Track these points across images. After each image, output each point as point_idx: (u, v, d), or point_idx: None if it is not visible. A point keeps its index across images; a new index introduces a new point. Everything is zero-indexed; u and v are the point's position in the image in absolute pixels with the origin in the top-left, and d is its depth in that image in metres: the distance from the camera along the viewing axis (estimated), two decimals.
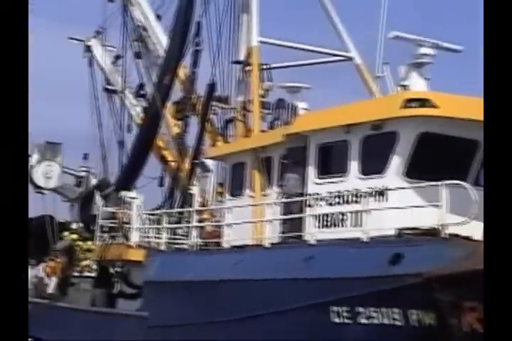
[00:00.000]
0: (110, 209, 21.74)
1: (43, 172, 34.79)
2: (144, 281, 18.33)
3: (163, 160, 26.28)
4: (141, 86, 28.34)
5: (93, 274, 29.08)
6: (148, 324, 17.60)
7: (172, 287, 17.12)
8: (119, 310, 19.20)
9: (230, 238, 16.71)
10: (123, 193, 20.07)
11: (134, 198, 19.75)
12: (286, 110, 22.23)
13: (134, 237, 19.58)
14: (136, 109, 28.69)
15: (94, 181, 38.31)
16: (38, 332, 22.65)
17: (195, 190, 18.37)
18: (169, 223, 20.72)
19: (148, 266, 18.23)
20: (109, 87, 30.51)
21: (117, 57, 29.85)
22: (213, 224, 17.81)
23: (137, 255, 19.02)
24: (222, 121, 23.13)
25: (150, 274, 18.00)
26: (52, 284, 25.97)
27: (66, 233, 34.84)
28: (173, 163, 26.06)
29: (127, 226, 20.02)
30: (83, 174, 38.33)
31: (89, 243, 35.12)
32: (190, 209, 18.32)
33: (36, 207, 37.92)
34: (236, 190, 18.30)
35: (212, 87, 22.27)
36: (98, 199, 23.31)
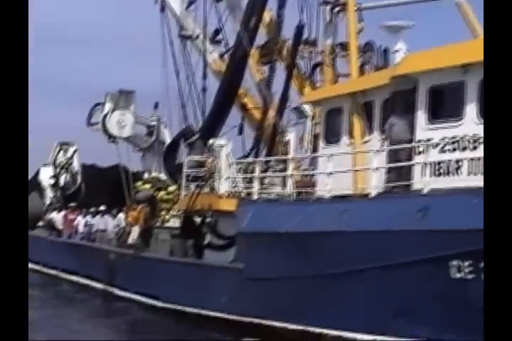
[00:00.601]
0: (196, 158, 20.80)
1: (117, 121, 34.12)
2: (237, 232, 17.45)
3: (244, 107, 25.26)
4: (217, 31, 27.29)
5: (171, 224, 28.52)
6: (243, 276, 16.81)
7: (268, 238, 16.21)
8: (212, 262, 18.38)
9: (329, 187, 15.63)
10: (211, 141, 19.05)
11: (222, 146, 18.70)
12: (375, 53, 20.96)
13: (224, 186, 18.63)
14: (213, 55, 27.66)
15: (165, 131, 37.87)
16: (123, 282, 22.22)
17: (290, 136, 17.22)
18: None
19: (241, 216, 17.33)
20: (184, 33, 29.38)
21: (191, 2, 28.69)
22: (311, 172, 16.75)
23: (228, 205, 18.11)
24: (309, 65, 22.07)
25: (244, 225, 17.11)
26: (134, 234, 25.46)
27: (139, 183, 34.46)
28: (254, 111, 25.08)
29: (215, 175, 19.02)
30: (154, 123, 37.77)
31: (162, 193, 34.79)
32: (287, 157, 17.25)
33: (109, 156, 37.53)
34: (332, 137, 17.21)
35: (300, 29, 21.14)
36: (183, 147, 22.42)
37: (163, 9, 30.12)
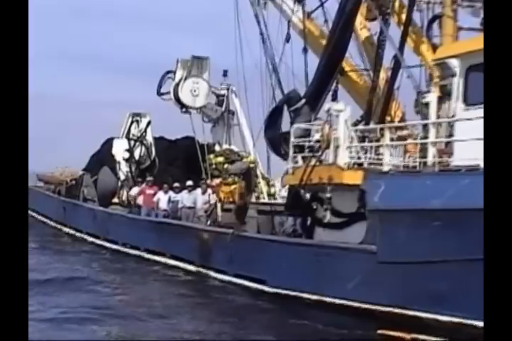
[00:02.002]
0: (303, 126, 18.56)
1: (190, 89, 31.99)
2: (368, 209, 15.24)
3: (341, 70, 22.89)
4: None
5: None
6: (377, 259, 14.64)
7: (411, 216, 14.00)
8: (336, 243, 16.19)
9: None
10: (328, 105, 16.76)
11: (341, 111, 16.40)
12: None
13: (343, 157, 16.39)
14: (297, 14, 25.39)
15: (235, 100, 35.74)
16: (221, 264, 20.26)
17: (431, 97, 14.82)
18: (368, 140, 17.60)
19: (371, 191, 15.11)
20: None
21: None
22: (463, 139, 14.34)
23: (353, 178, 15.88)
24: (426, 18, 19.66)
25: (375, 201, 14.89)
26: (219, 211, 23.57)
27: (211, 156, 32.43)
28: (351, 74, 22.74)
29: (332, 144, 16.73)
30: (223, 92, 35.72)
31: None
32: (428, 122, 14.89)
33: (174, 128, 35.53)
34: (475, 98, 14.84)
35: None
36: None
37: None
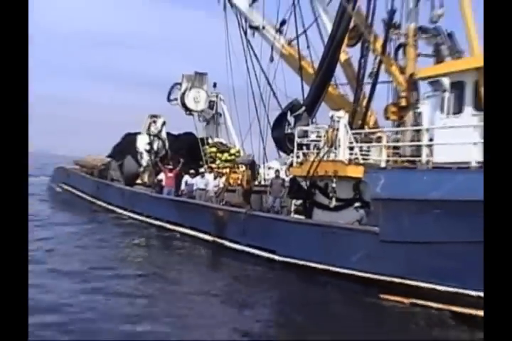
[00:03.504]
0: (304, 128, 16.49)
1: (193, 97, 30.01)
2: (372, 198, 13.29)
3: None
4: (283, 22, 22.95)
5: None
6: (380, 238, 12.72)
7: (411, 205, 12.08)
8: (343, 224, 14.19)
9: (474, 157, 11.47)
10: (331, 113, 14.71)
11: (341, 117, 14.41)
12: (443, 36, 16.51)
13: (344, 154, 14.38)
14: (280, 42, 23.26)
15: (223, 105, 33.75)
16: (235, 236, 18.05)
17: (423, 108, 12.94)
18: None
19: (372, 182, 13.16)
20: (252, 24, 24.92)
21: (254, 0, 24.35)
22: (463, 142, 12.41)
23: (355, 171, 13.92)
24: (394, 46, 17.61)
25: (377, 191, 12.93)
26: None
27: (206, 146, 30.37)
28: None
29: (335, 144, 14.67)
30: (214, 99, 33.85)
31: (226, 154, 30.48)
32: (421, 128, 12.93)
33: (182, 125, 33.35)
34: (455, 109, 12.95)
35: (393, 14, 16.62)
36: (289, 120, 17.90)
37: (224, 7, 25.82)
